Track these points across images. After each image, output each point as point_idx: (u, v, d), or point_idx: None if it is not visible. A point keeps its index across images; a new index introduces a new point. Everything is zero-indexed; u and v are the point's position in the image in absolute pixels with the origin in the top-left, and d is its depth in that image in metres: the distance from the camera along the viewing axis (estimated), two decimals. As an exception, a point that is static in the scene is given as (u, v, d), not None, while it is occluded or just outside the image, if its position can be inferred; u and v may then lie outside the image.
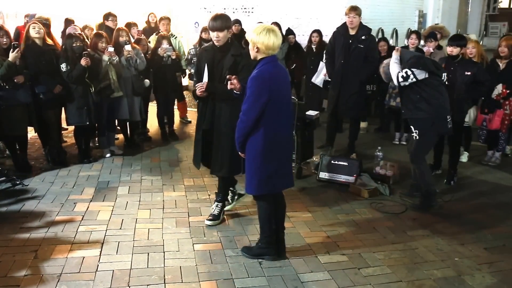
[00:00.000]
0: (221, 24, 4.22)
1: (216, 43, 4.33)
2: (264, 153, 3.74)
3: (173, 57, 7.29)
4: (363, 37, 6.49)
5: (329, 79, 7.02)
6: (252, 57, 3.79)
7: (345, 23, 6.61)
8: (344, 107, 6.76)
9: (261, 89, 3.61)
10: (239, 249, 4.19)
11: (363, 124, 8.41)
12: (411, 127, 5.16)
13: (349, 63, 6.56)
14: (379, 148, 6.23)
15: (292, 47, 8.64)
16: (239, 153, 3.93)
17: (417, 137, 5.10)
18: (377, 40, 8.37)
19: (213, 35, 4.29)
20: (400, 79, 5.00)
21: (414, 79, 4.95)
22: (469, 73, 5.54)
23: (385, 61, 5.44)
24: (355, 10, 6.45)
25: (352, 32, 6.54)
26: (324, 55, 7.16)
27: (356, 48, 6.50)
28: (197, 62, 4.73)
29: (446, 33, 8.04)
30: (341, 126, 7.52)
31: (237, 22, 9.22)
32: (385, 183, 5.70)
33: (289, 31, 8.79)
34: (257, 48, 3.67)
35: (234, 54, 4.37)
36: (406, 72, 4.95)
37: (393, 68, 5.16)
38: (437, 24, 10.48)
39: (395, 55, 5.24)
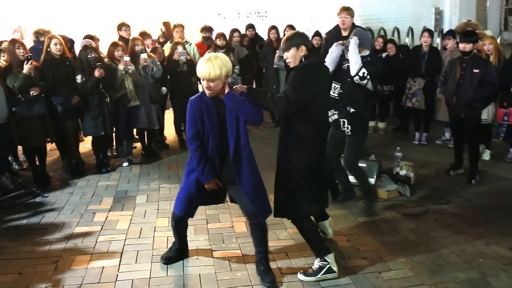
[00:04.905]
0: (285, 45, 3.81)
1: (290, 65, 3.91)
2: None
3: (187, 58, 7.33)
4: None
5: None
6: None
7: (337, 25, 6.40)
8: None
9: None
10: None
11: (381, 125, 8.33)
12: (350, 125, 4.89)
13: None
14: (399, 148, 6.13)
15: (317, 50, 8.51)
16: None
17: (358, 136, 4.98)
18: (383, 40, 8.23)
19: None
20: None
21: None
22: (477, 70, 5.37)
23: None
24: (347, 10, 6.21)
25: (344, 34, 6.25)
26: None
27: None
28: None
29: (479, 29, 7.83)
30: None
31: (251, 26, 9.22)
32: (405, 184, 5.61)
33: (316, 33, 8.69)
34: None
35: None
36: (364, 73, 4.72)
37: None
38: (470, 20, 10.23)
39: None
